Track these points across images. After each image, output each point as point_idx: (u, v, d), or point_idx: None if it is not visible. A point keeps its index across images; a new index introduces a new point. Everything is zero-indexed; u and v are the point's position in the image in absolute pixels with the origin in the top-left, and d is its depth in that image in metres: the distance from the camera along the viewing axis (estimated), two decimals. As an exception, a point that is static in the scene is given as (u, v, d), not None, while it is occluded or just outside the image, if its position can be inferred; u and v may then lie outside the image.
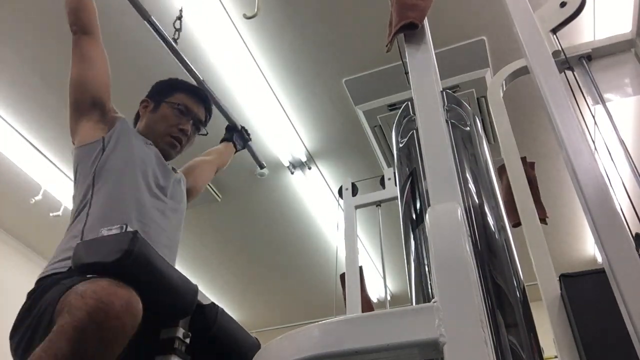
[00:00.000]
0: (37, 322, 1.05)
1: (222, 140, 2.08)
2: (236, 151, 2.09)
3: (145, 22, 1.84)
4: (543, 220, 1.68)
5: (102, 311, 0.87)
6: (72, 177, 1.44)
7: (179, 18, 2.10)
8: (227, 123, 2.14)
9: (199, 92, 1.71)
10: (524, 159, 1.75)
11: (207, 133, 1.74)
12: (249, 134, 2.14)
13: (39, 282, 1.17)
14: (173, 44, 1.92)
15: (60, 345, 0.85)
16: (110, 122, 1.48)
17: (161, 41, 1.89)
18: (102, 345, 0.86)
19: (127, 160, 1.41)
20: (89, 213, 1.29)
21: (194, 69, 1.98)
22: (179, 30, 2.04)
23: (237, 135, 2.08)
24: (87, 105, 1.44)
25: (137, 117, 1.66)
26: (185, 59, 1.96)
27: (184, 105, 1.61)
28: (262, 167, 2.22)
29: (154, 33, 1.86)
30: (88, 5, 1.49)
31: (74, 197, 1.39)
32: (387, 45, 1.14)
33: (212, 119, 1.78)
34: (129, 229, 1.01)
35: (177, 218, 1.52)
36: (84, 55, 1.45)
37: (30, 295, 1.14)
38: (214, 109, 1.86)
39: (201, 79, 1.97)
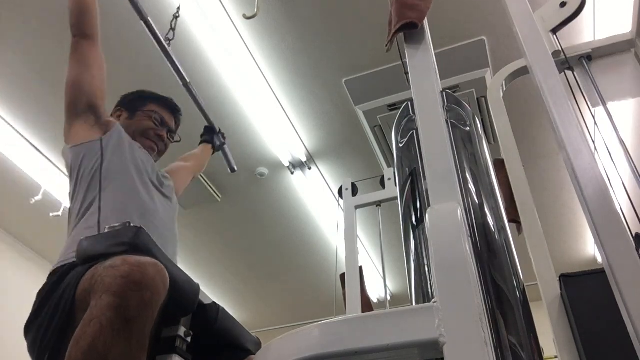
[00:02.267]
0: (55, 309, 1.04)
1: (201, 142, 2.18)
2: (213, 152, 2.19)
3: (142, 22, 1.84)
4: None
5: (138, 272, 0.88)
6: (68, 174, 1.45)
7: (176, 17, 2.11)
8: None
9: (170, 103, 1.77)
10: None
11: (180, 140, 1.81)
12: (224, 138, 2.24)
13: (51, 275, 1.16)
14: (165, 44, 1.92)
15: (103, 312, 0.85)
16: (105, 125, 1.50)
17: (153, 41, 1.90)
18: (143, 306, 0.87)
19: (129, 161, 1.46)
20: (100, 207, 1.31)
21: (182, 72, 2.00)
22: (173, 29, 2.05)
23: (215, 136, 2.19)
24: (82, 108, 1.47)
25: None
26: (175, 61, 1.97)
27: (158, 115, 1.69)
28: (232, 170, 2.27)
29: (148, 33, 1.87)
30: (91, 9, 1.50)
31: (73, 193, 1.40)
32: (386, 45, 1.14)
33: (193, 120, 1.84)
34: (132, 224, 1.02)
35: (174, 211, 1.60)
36: (82, 59, 1.47)
37: (43, 289, 1.14)
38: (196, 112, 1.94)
39: (188, 81, 2.02)
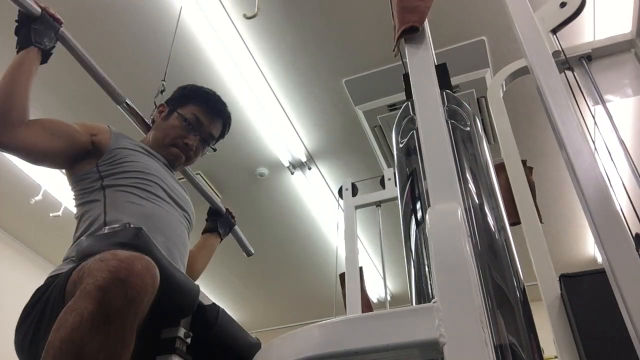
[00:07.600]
0: (45, 302, 1.04)
1: (204, 231, 1.86)
2: (221, 240, 1.89)
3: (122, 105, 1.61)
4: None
5: (124, 269, 0.87)
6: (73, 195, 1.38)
7: (161, 92, 1.82)
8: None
9: (215, 105, 1.60)
10: (524, 162, 1.74)
11: (216, 150, 1.67)
12: (233, 217, 1.97)
13: (49, 279, 1.15)
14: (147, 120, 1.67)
15: (85, 304, 0.84)
16: (96, 149, 1.39)
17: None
18: (126, 303, 0.85)
19: (138, 171, 1.38)
20: (106, 222, 1.25)
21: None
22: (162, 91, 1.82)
23: (222, 220, 1.89)
24: (66, 164, 1.39)
25: (153, 121, 1.62)
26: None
27: (194, 119, 1.54)
28: (249, 254, 2.04)
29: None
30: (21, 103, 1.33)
31: (81, 213, 1.34)
32: (393, 50, 1.14)
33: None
34: (132, 226, 1.02)
35: (185, 221, 1.48)
36: (26, 147, 1.31)
37: (38, 290, 1.12)
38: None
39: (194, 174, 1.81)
